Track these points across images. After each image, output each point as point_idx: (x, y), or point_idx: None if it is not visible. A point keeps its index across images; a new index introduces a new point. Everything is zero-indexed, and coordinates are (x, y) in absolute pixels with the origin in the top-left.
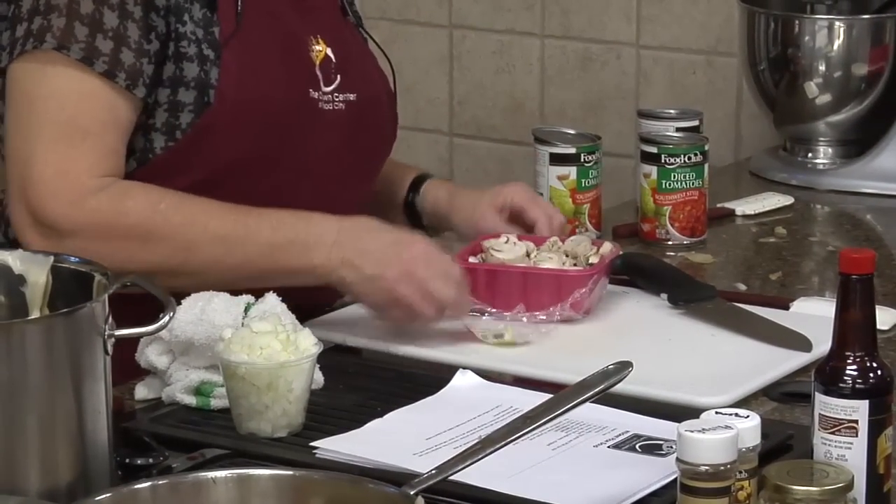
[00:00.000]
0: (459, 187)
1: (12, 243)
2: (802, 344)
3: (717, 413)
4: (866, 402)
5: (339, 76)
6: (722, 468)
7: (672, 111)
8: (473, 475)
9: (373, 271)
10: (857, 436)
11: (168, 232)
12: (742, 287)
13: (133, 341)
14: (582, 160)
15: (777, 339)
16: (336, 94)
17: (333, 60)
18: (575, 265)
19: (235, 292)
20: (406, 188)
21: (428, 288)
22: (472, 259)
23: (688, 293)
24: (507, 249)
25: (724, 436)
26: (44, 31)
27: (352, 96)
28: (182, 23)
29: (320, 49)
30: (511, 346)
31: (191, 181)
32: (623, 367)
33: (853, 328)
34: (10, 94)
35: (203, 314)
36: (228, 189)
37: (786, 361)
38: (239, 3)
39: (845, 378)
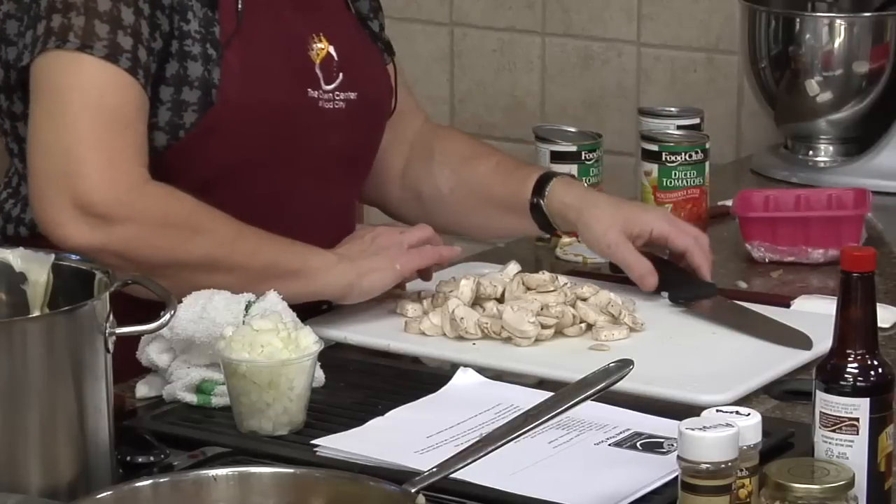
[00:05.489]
0: (589, 194)
1: (9, 240)
2: (803, 342)
3: (717, 411)
4: (867, 399)
5: (340, 74)
6: (723, 466)
7: (673, 109)
8: (474, 473)
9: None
10: (857, 434)
11: (217, 224)
12: (743, 285)
13: (134, 339)
14: (583, 158)
15: (778, 337)
16: (337, 93)
17: (335, 58)
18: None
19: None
20: (530, 191)
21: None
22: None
23: (688, 291)
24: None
25: (725, 434)
26: (65, 29)
27: (353, 95)
28: (186, 21)
29: (322, 47)
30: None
31: (191, 181)
32: (624, 364)
33: (854, 326)
34: (38, 88)
35: (204, 312)
36: (227, 190)
37: (787, 359)
38: (240, 2)
39: (846, 376)
